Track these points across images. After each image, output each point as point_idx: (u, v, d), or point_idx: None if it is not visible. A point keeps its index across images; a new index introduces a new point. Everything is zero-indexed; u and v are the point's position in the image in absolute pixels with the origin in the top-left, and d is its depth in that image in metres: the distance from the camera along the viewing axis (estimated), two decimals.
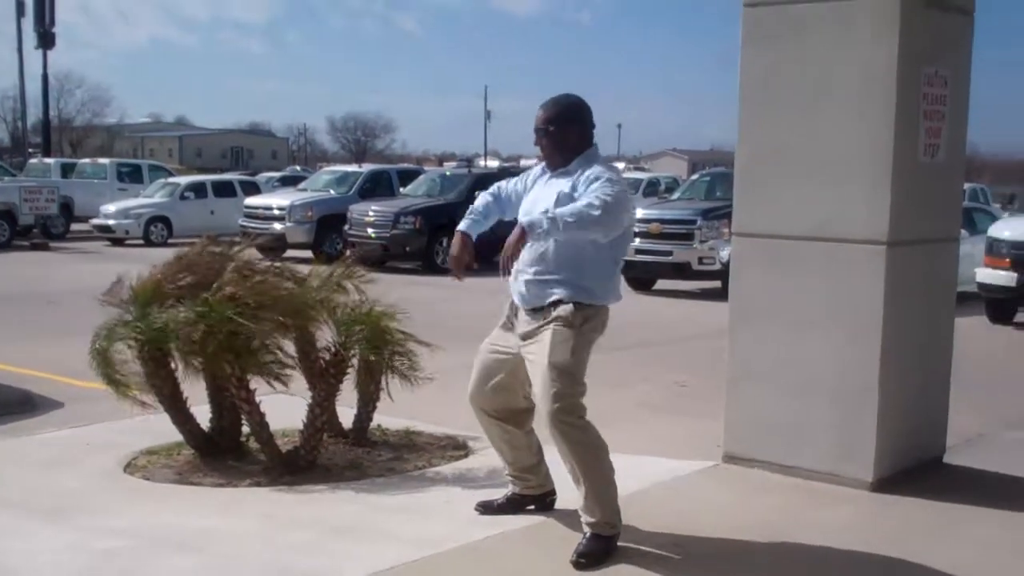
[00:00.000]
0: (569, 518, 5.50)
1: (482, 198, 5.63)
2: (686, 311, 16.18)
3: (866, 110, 6.05)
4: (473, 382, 5.46)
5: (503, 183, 5.68)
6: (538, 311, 5.16)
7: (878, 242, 6.03)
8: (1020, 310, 15.51)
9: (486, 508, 5.69)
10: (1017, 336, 14.55)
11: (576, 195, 5.08)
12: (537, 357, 5.09)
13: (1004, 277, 14.80)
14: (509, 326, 5.36)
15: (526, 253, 5.08)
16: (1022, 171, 71.31)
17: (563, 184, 5.22)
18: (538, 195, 5.33)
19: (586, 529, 5.10)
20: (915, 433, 6.53)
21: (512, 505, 5.68)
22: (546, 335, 5.09)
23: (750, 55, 6.49)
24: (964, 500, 6.07)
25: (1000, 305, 15.34)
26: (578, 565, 4.94)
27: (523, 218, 5.03)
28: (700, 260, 17.91)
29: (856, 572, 4.99)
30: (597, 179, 5.08)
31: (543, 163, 5.47)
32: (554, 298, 5.12)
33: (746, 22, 6.51)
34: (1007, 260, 14.82)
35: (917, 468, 6.49)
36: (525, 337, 5.19)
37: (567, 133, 5.30)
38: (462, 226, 5.41)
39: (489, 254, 5.79)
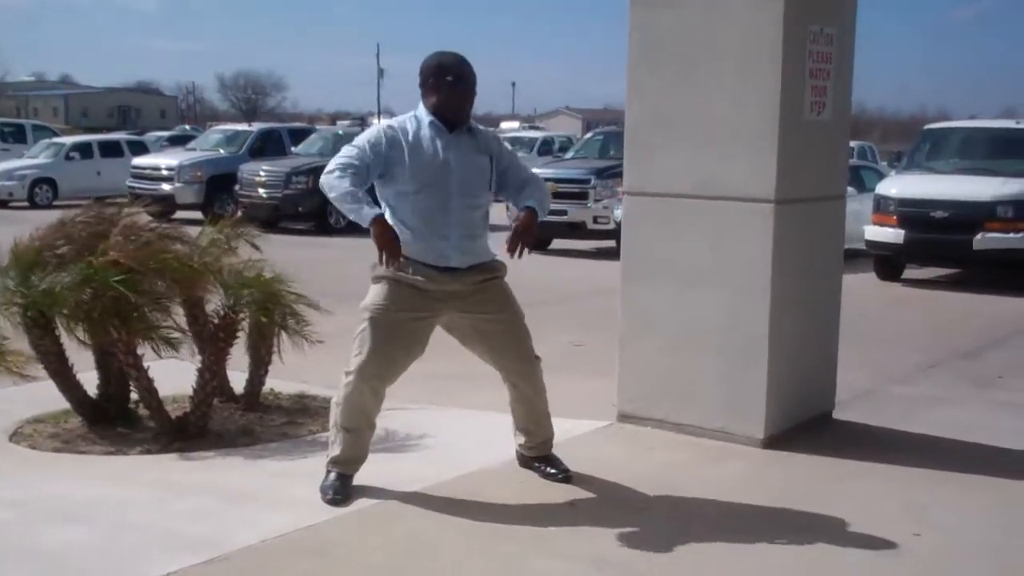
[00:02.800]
0: (467, 479, 5.52)
1: (349, 181, 5.06)
2: (581, 270, 16.25)
3: (752, 69, 6.08)
4: (387, 355, 5.20)
5: (353, 159, 5.14)
6: (476, 268, 5.27)
7: (765, 200, 6.08)
8: (907, 267, 15.82)
9: None
10: (905, 292, 14.84)
11: (500, 163, 5.38)
12: (506, 315, 5.37)
13: (892, 234, 15.08)
14: (420, 291, 5.21)
15: (457, 215, 5.18)
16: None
17: (475, 146, 5.30)
18: (462, 159, 5.21)
19: (545, 453, 5.73)
20: (805, 389, 6.62)
21: None
22: (498, 291, 5.36)
23: (638, 15, 6.49)
24: (853, 456, 6.17)
25: (888, 262, 15.64)
26: (567, 478, 5.60)
27: (532, 204, 5.27)
28: (595, 219, 17.98)
29: (745, 528, 5.05)
30: (513, 152, 5.48)
31: (420, 118, 5.27)
32: (494, 257, 5.36)
33: None
34: (894, 217, 15.10)
35: (807, 424, 6.59)
36: (465, 296, 5.25)
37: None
38: (372, 214, 5.01)
39: None
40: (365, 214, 4.99)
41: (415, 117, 5.30)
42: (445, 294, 5.23)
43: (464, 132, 5.29)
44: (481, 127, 5.48)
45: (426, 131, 5.23)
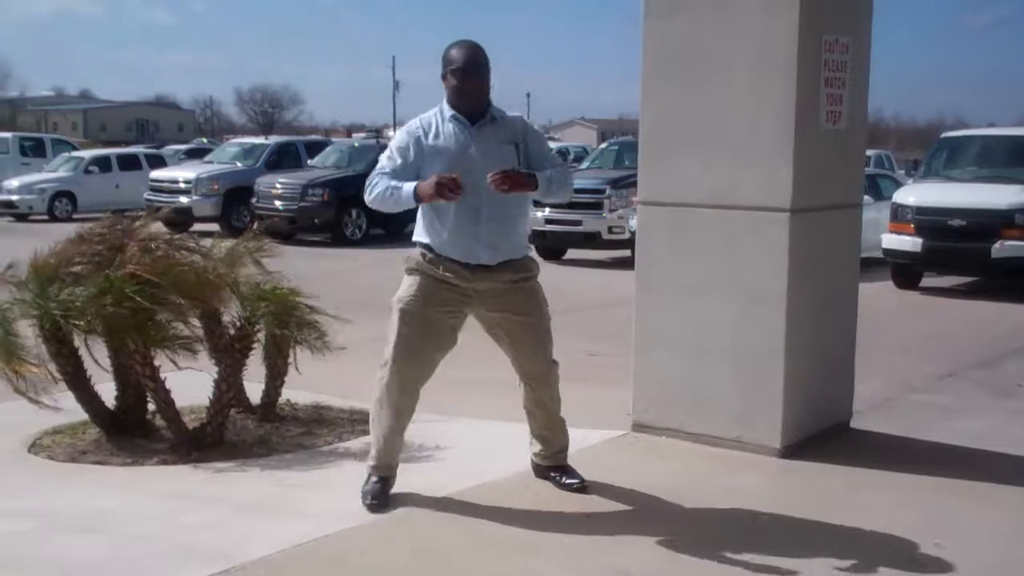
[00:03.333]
0: (481, 489, 5.50)
1: (382, 184, 5.27)
2: (596, 280, 16.23)
3: (767, 78, 6.07)
4: (415, 347, 5.22)
5: (384, 168, 5.30)
6: (509, 266, 5.27)
7: (781, 209, 6.06)
8: (925, 275, 15.75)
9: None
10: (922, 301, 14.78)
11: (528, 148, 5.30)
12: (532, 318, 5.37)
13: (909, 242, 15.02)
14: (450, 286, 5.22)
15: (487, 210, 5.15)
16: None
17: (500, 136, 5.24)
18: (486, 152, 5.17)
19: (561, 463, 5.71)
20: (822, 399, 6.60)
21: None
22: (528, 292, 5.37)
23: (652, 25, 6.49)
24: (871, 465, 6.14)
25: (905, 270, 15.57)
26: (583, 488, 5.58)
27: (540, 174, 5.18)
28: (610, 229, 17.96)
29: (762, 538, 5.03)
30: (544, 138, 5.45)
31: (443, 111, 5.26)
32: (527, 253, 5.40)
33: None
34: (912, 226, 15.05)
35: (824, 433, 6.56)
36: (495, 294, 5.26)
37: (490, 77, 5.31)
38: (411, 185, 5.11)
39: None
40: (405, 191, 5.13)
41: (440, 111, 5.28)
42: (475, 291, 5.23)
43: (487, 123, 5.24)
44: (508, 114, 5.37)
45: (449, 126, 5.23)
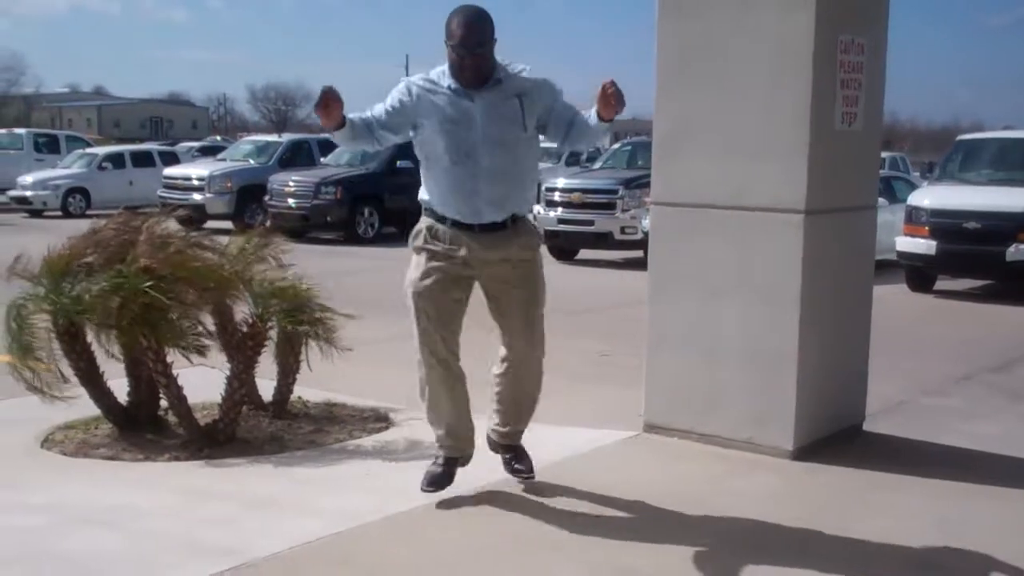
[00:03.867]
0: (491, 488, 5.51)
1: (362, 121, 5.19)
2: (608, 280, 16.21)
3: (782, 78, 6.05)
4: (437, 320, 5.18)
5: (373, 110, 5.22)
6: (514, 234, 5.24)
7: (795, 211, 6.04)
8: (939, 278, 15.70)
9: None
10: (936, 304, 14.73)
11: (534, 100, 5.15)
12: (524, 291, 5.29)
13: (923, 245, 14.95)
14: (451, 258, 5.19)
15: (487, 163, 5.07)
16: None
17: (502, 93, 5.10)
18: (486, 109, 5.06)
19: (515, 444, 5.62)
20: (835, 401, 6.58)
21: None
22: (527, 270, 5.31)
23: (666, 25, 6.47)
24: (884, 468, 6.11)
25: (920, 273, 15.50)
26: (531, 478, 5.56)
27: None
28: (622, 229, 17.91)
29: (775, 541, 5.02)
30: (560, 91, 5.26)
31: (441, 80, 5.12)
32: (529, 210, 5.38)
33: None
34: (926, 228, 14.98)
35: (837, 436, 6.54)
36: (495, 264, 5.22)
37: (493, 47, 5.15)
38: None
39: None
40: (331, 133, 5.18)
41: (441, 74, 5.16)
42: (478, 261, 5.17)
43: (491, 85, 5.11)
44: (513, 72, 5.18)
45: (449, 89, 5.11)
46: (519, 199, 5.26)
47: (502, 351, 5.40)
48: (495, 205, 5.13)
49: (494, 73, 5.11)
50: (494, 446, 5.70)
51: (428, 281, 5.17)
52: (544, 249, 5.48)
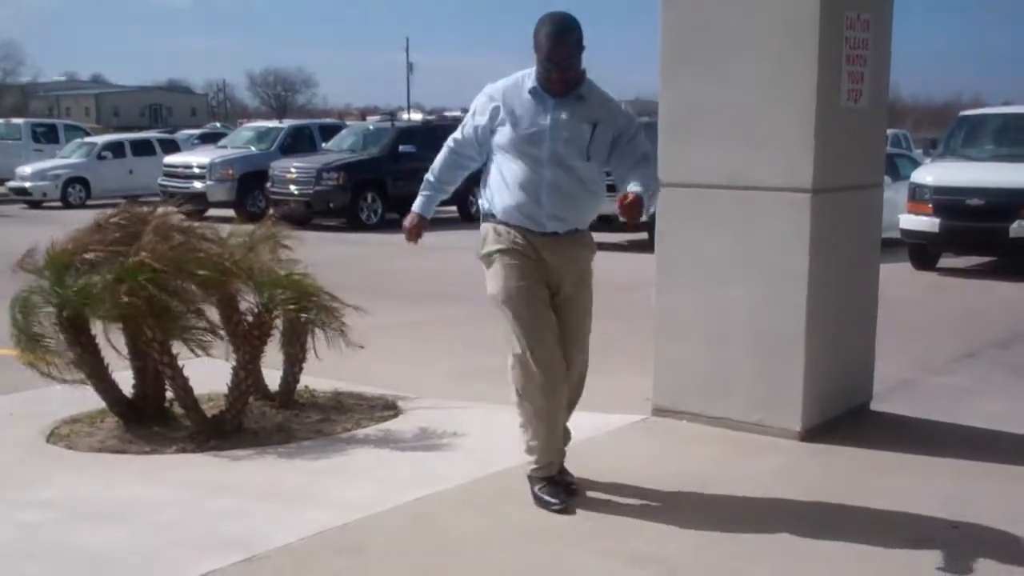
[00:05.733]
0: (502, 476, 5.48)
1: (441, 159, 5.40)
2: (614, 263, 16.13)
3: (788, 56, 6.02)
4: (534, 323, 5.04)
5: (458, 134, 5.34)
6: (570, 240, 5.21)
7: (803, 189, 6.02)
8: (943, 255, 15.68)
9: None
10: (940, 281, 14.72)
11: (608, 132, 5.08)
12: (584, 295, 5.30)
13: (927, 223, 14.93)
14: (523, 255, 5.13)
15: (550, 181, 5.05)
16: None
17: (579, 113, 5.05)
18: (557, 126, 5.03)
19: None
20: (842, 381, 6.56)
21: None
22: (580, 273, 5.28)
23: (670, 5, 6.43)
24: (892, 448, 6.11)
25: (923, 251, 15.49)
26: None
27: (635, 188, 4.88)
28: None
29: (785, 522, 5.00)
30: (637, 127, 5.19)
31: (528, 79, 5.10)
32: (581, 225, 5.29)
33: None
34: (929, 206, 14.95)
35: (844, 416, 6.53)
36: (564, 270, 5.19)
37: (581, 57, 5.10)
38: (417, 206, 5.36)
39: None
40: (415, 203, 5.41)
41: (525, 76, 5.13)
42: (540, 257, 5.10)
43: (572, 98, 5.08)
44: (598, 91, 5.18)
45: (529, 96, 5.08)
46: (581, 216, 5.22)
47: None
48: (557, 219, 5.10)
49: (580, 85, 5.09)
50: None
51: (513, 280, 5.08)
52: None
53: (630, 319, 8.94)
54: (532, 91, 5.06)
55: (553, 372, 5.04)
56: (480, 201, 5.32)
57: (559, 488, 5.18)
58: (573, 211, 5.15)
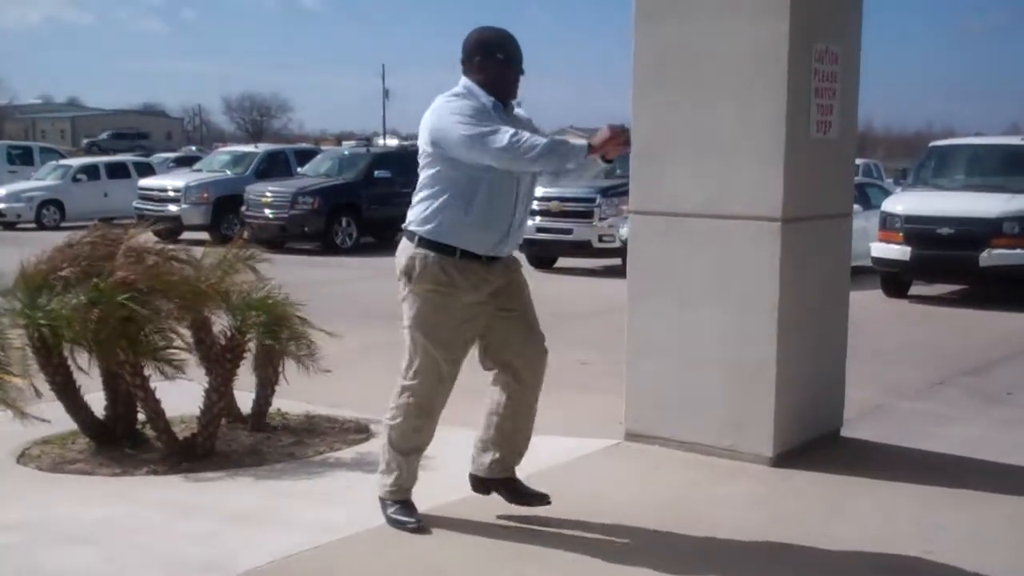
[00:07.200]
0: (474, 499, 5.47)
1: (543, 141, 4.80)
2: (587, 288, 16.23)
3: (758, 87, 6.07)
4: (447, 375, 5.07)
5: (507, 130, 4.75)
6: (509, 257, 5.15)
7: (772, 219, 6.07)
8: (914, 284, 15.77)
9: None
10: (911, 309, 14.81)
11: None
12: (524, 302, 5.17)
13: (898, 251, 15.03)
14: (479, 282, 4.95)
15: (522, 201, 5.00)
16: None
17: (520, 123, 4.98)
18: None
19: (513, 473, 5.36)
20: (813, 407, 6.60)
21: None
22: (520, 280, 5.19)
23: (643, 31, 6.48)
24: (862, 473, 6.15)
25: (894, 279, 15.58)
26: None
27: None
28: (600, 238, 17.90)
29: (757, 547, 5.03)
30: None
31: (478, 96, 4.91)
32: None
33: (638, 0, 6.50)
34: (900, 234, 15.05)
35: (815, 442, 6.56)
36: (497, 290, 5.03)
37: None
38: (579, 144, 4.88)
39: None
40: (579, 144, 4.87)
41: (475, 93, 4.92)
42: (487, 295, 4.96)
43: (511, 110, 5.05)
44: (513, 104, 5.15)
45: (495, 112, 4.89)
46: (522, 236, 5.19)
47: (505, 377, 5.19)
48: (514, 241, 5.03)
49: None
50: (491, 485, 5.40)
51: (443, 323, 4.95)
52: (523, 257, 5.43)
53: (603, 343, 8.99)
54: (495, 107, 4.93)
55: (436, 416, 5.19)
56: (420, 223, 4.95)
57: (412, 508, 5.20)
58: (522, 231, 5.14)
